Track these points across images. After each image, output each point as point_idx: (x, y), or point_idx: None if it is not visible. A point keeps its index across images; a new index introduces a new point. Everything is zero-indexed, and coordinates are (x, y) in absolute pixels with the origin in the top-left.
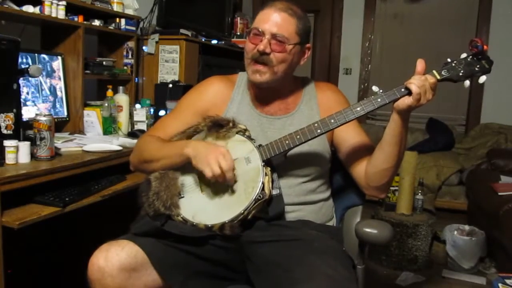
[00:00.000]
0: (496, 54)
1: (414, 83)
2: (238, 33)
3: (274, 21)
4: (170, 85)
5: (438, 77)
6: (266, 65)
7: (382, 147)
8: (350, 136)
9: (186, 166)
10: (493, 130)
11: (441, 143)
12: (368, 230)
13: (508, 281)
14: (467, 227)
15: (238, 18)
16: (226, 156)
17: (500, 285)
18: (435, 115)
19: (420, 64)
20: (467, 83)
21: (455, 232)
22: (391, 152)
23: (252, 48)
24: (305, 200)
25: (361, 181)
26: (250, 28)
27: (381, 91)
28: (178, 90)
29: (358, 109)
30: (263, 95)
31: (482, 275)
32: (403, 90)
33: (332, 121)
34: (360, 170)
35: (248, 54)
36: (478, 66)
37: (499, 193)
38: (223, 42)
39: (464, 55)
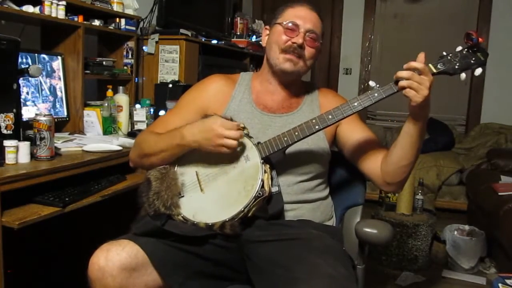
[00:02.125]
0: (496, 54)
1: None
2: (238, 33)
3: (309, 18)
4: (170, 85)
5: (434, 70)
6: (299, 57)
7: (400, 146)
8: (356, 134)
9: (185, 165)
10: (493, 130)
11: (441, 143)
12: (368, 230)
13: (508, 281)
14: (467, 227)
15: (238, 18)
16: (224, 124)
17: (500, 285)
18: (435, 115)
19: (419, 57)
20: (463, 75)
21: (455, 232)
22: (409, 151)
23: (286, 40)
24: (303, 198)
25: (376, 179)
26: (281, 22)
27: (378, 86)
28: (178, 90)
29: (355, 104)
30: (269, 92)
31: (482, 275)
32: None
33: (330, 116)
34: (374, 167)
35: (280, 46)
36: (473, 58)
37: (499, 193)
38: (223, 42)
39: (459, 48)
